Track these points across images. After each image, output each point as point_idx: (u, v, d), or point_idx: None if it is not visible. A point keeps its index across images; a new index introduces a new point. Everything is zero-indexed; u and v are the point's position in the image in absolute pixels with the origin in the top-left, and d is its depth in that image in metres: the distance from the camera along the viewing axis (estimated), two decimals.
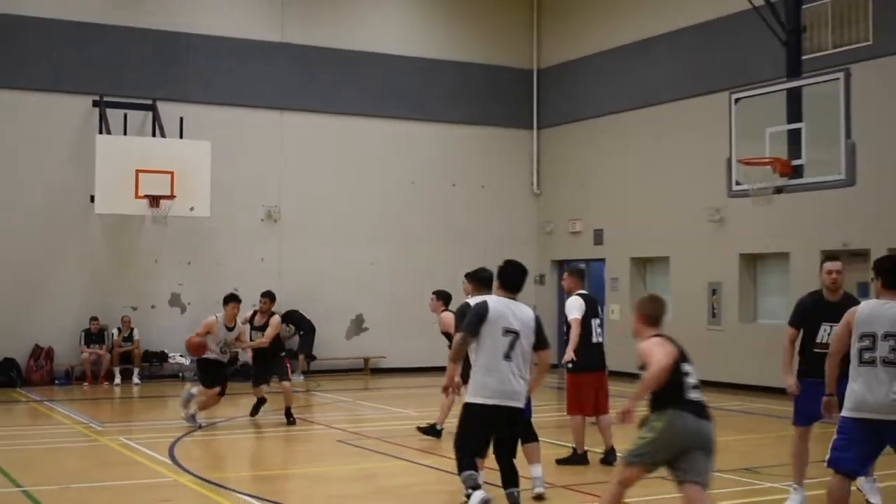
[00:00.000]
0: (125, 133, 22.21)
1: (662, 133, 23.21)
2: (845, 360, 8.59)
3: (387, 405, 18.64)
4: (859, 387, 7.75)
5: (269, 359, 15.60)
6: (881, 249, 17.99)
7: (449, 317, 12.93)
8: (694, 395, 7.47)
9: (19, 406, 18.67)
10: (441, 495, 10.05)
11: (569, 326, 11.92)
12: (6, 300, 21.50)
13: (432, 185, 25.79)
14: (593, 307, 12.11)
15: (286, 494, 10.34)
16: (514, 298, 8.72)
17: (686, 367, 7.49)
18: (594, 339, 11.93)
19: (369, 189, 25.02)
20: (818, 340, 9.43)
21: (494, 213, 26.39)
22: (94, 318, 21.82)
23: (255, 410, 15.82)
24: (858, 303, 9.21)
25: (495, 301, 8.64)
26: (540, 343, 8.68)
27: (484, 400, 8.39)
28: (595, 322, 12.00)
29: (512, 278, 8.80)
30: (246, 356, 17.91)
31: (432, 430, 13.73)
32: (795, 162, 14.82)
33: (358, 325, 24.74)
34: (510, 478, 8.65)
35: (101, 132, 21.63)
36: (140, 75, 22.79)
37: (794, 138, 14.98)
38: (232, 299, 15.46)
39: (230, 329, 15.23)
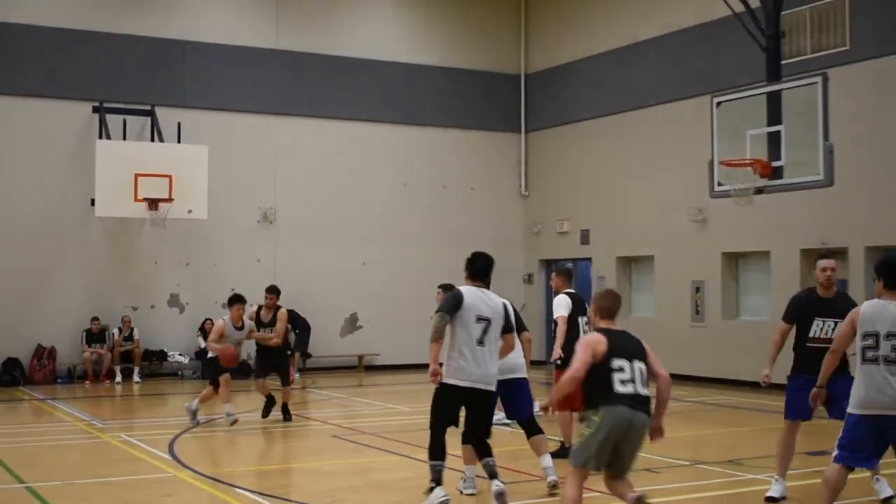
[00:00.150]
0: (124, 138, 22.19)
1: (647, 136, 23.23)
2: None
3: (380, 401, 18.63)
4: (863, 385, 7.86)
5: (275, 353, 15.33)
6: (858, 248, 18.09)
7: None
8: (624, 388, 7.57)
9: (23, 404, 18.63)
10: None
11: (556, 324, 11.93)
12: (10, 301, 21.46)
13: (424, 188, 25.79)
14: (580, 305, 12.12)
15: (283, 489, 10.33)
16: (484, 287, 9.18)
17: (617, 363, 7.62)
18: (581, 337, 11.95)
19: (362, 191, 25.02)
20: (811, 335, 9.46)
21: (484, 215, 26.40)
22: (95, 319, 21.79)
23: (266, 411, 15.16)
24: (851, 299, 9.28)
25: (468, 290, 9.06)
26: (506, 328, 9.18)
27: (459, 382, 8.85)
28: (582, 320, 12.01)
29: (481, 268, 9.24)
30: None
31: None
32: (775, 163, 14.84)
33: (352, 324, 24.72)
34: (484, 450, 9.10)
35: (100, 137, 21.61)
36: (138, 82, 22.77)
37: (773, 140, 14.99)
38: (237, 300, 15.12)
39: (239, 329, 14.92)
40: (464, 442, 9.56)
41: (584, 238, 25.17)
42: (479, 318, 8.93)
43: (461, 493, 9.64)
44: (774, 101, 15.14)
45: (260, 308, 15.60)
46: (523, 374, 10.24)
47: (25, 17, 21.92)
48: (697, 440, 14.27)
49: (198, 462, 11.67)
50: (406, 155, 25.67)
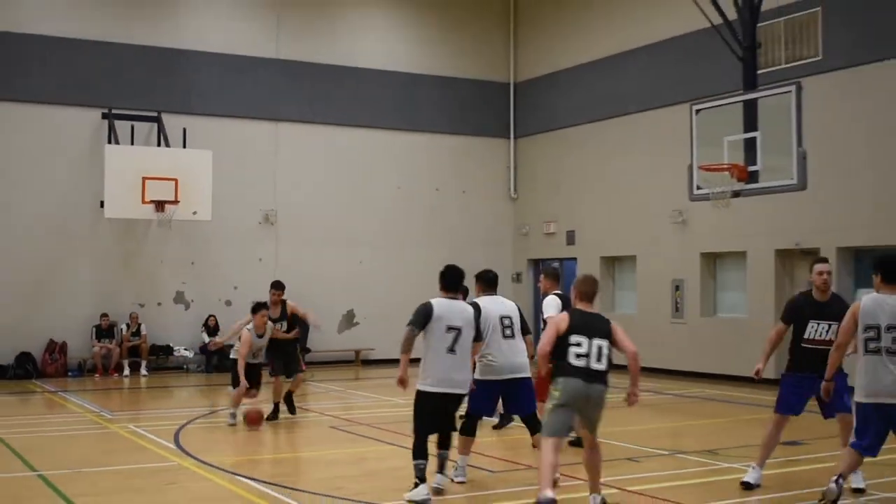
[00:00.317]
0: (132, 143, 22.20)
1: (630, 141, 23.26)
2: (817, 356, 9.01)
3: (376, 394, 18.63)
4: (867, 374, 8.06)
5: (286, 348, 14.54)
6: (830, 249, 18.12)
7: None
8: (578, 361, 8.14)
9: (35, 396, 18.60)
10: (427, 477, 10.04)
11: (545, 324, 11.92)
12: (23, 298, 21.45)
13: (417, 190, 25.80)
14: (569, 306, 12.11)
15: (283, 477, 10.33)
16: (456, 298, 9.42)
17: (576, 339, 8.17)
18: None
19: (359, 194, 25.02)
20: (806, 336, 9.48)
21: (475, 216, 26.43)
22: (104, 315, 21.76)
23: (273, 415, 14.37)
24: (845, 302, 9.35)
25: (439, 302, 9.27)
26: (523, 329, 9.81)
27: (431, 388, 9.10)
28: None
29: (452, 280, 9.46)
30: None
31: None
32: (751, 168, 14.86)
33: (349, 320, 24.72)
34: (443, 442, 9.40)
35: (109, 142, 21.60)
36: (146, 89, 22.74)
37: (750, 146, 15.01)
38: (262, 307, 14.17)
39: (260, 337, 14.02)
40: (461, 433, 9.65)
41: (570, 239, 25.19)
42: (450, 328, 9.15)
43: (452, 480, 9.67)
44: (750, 108, 15.16)
45: (266, 305, 14.73)
46: (527, 374, 10.24)
47: (39, 28, 21.88)
48: (676, 431, 14.31)
49: (201, 451, 11.66)
50: (401, 159, 25.68)
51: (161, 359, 22.72)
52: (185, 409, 15.20)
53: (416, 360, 8.96)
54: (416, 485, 8.91)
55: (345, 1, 25.34)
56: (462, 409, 9.60)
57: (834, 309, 9.28)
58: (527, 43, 26.83)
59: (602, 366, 8.20)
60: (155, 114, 22.56)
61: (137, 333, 22.13)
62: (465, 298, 14.00)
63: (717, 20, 17.03)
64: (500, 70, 27.06)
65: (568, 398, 8.13)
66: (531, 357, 9.99)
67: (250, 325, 13.95)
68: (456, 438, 9.68)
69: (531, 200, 26.61)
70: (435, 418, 9.20)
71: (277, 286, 14.96)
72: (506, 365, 9.71)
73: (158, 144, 22.28)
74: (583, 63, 24.72)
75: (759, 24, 16.90)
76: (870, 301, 8.13)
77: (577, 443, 11.09)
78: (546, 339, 8.29)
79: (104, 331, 21.76)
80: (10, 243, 21.48)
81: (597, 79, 24.30)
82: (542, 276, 12.66)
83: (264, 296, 15.09)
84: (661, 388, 19.31)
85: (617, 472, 10.00)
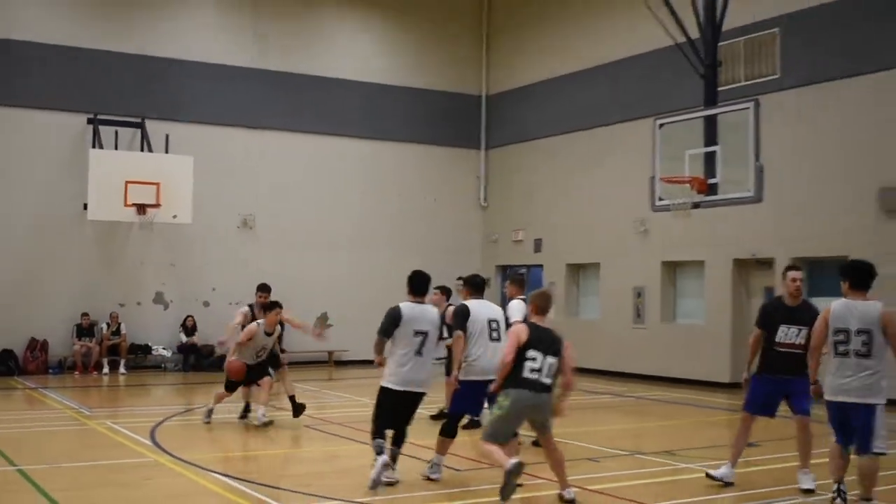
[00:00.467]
0: (116, 148, 22.04)
1: (595, 154, 23.32)
2: (798, 357, 9.16)
3: (349, 394, 18.58)
4: (836, 375, 8.19)
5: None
6: (785, 258, 18.20)
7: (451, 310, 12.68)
8: (531, 375, 8.48)
9: (16, 393, 18.39)
10: (397, 474, 9.99)
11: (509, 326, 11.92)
12: (6, 297, 21.22)
13: (391, 198, 25.76)
14: None
15: (257, 474, 10.25)
16: (423, 302, 9.62)
17: (531, 353, 8.49)
18: None
19: (335, 200, 24.98)
20: (777, 340, 9.52)
21: (446, 224, 26.43)
22: (85, 314, 21.59)
23: (244, 413, 14.02)
24: (815, 308, 9.44)
25: (407, 307, 9.49)
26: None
27: (396, 386, 9.39)
28: None
29: (420, 285, 9.68)
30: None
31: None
32: (711, 180, 14.95)
33: (323, 322, 24.54)
34: (397, 439, 9.63)
35: (94, 146, 21.45)
36: (130, 96, 22.60)
37: (710, 160, 15.10)
38: (275, 306, 13.64)
39: (269, 335, 13.60)
40: (441, 433, 9.71)
41: (537, 246, 25.22)
42: (417, 332, 9.40)
43: (428, 478, 9.63)
44: (711, 123, 15.25)
45: (252, 307, 14.48)
46: None
47: (27, 35, 21.71)
48: (636, 432, 14.32)
49: (177, 448, 11.55)
50: (376, 168, 25.65)
51: (140, 357, 22.54)
52: (162, 406, 15.07)
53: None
54: (376, 459, 9.18)
55: (323, 15, 25.34)
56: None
57: (804, 314, 9.41)
58: (498, 57, 26.87)
59: (550, 380, 8.59)
60: (139, 120, 22.41)
61: (117, 332, 21.94)
62: (448, 299, 14.06)
63: (681, 39, 17.11)
64: (472, 83, 27.07)
65: (516, 409, 8.50)
66: None
67: (261, 320, 13.54)
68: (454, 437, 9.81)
69: (500, 209, 26.62)
70: (393, 413, 9.46)
71: (264, 289, 14.55)
72: (490, 366, 9.65)
73: (141, 149, 22.12)
74: (552, 78, 24.78)
75: (719, 44, 17.00)
76: (840, 306, 8.27)
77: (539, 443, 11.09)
78: (510, 349, 8.53)
79: (85, 329, 21.57)
80: None
81: (565, 93, 24.35)
82: (508, 283, 12.72)
83: (242, 296, 14.99)
84: (622, 390, 19.35)
85: (578, 472, 9.98)
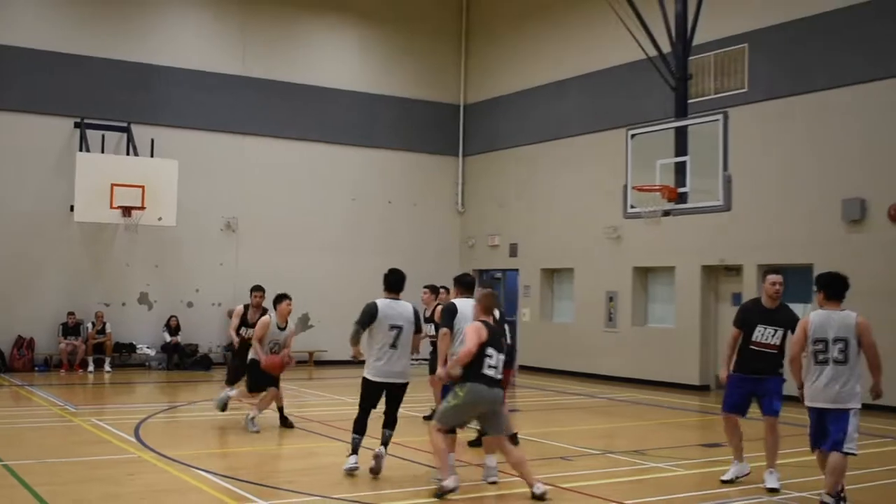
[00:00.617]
0: (102, 151, 21.92)
1: (570, 162, 23.39)
2: (772, 357, 9.39)
3: (328, 392, 18.53)
4: (815, 382, 8.29)
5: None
6: (752, 266, 18.37)
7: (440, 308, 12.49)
8: (489, 371, 8.85)
9: (3, 390, 18.23)
10: (371, 456, 10.01)
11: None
12: None
13: (371, 203, 25.76)
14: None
15: (238, 470, 10.22)
16: (398, 298, 9.94)
17: (489, 351, 8.85)
18: None
19: (316, 204, 24.94)
20: (754, 339, 9.60)
21: (425, 228, 26.43)
22: (70, 313, 21.45)
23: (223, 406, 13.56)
24: (791, 310, 9.56)
25: (383, 303, 9.83)
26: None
27: (375, 378, 9.75)
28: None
29: (395, 282, 10.02)
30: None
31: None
32: (681, 189, 14.96)
33: (304, 323, 24.56)
34: (387, 422, 9.94)
35: (81, 150, 21.33)
36: (117, 101, 22.48)
37: (680, 169, 15.11)
38: (284, 297, 13.06)
39: (282, 329, 13.10)
40: (470, 444, 10.67)
41: (513, 251, 25.26)
42: (392, 327, 9.72)
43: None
44: (681, 134, 15.27)
45: (247, 308, 14.18)
46: None
47: (15, 40, 21.56)
48: (607, 432, 14.36)
49: (160, 445, 11.50)
50: (357, 173, 25.63)
51: (124, 356, 22.40)
52: (147, 404, 14.99)
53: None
54: (349, 456, 9.70)
55: (308, 24, 25.30)
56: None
57: (781, 316, 9.54)
58: (477, 68, 26.91)
59: (500, 376, 9.01)
60: (125, 124, 22.30)
61: (102, 331, 21.81)
62: (436, 298, 13.97)
63: (653, 52, 17.17)
64: (451, 93, 27.11)
65: (472, 401, 8.82)
66: None
67: (272, 313, 13.13)
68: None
69: (477, 215, 26.65)
70: (374, 400, 9.85)
71: (260, 289, 14.07)
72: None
73: (127, 153, 22.03)
74: (528, 88, 24.84)
75: (690, 58, 17.05)
76: (818, 317, 8.38)
77: (477, 443, 11.04)
78: (475, 344, 8.79)
79: (70, 328, 21.43)
80: None
81: (541, 103, 24.42)
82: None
83: (224, 297, 14.93)
84: (594, 392, 19.41)
85: (550, 471, 10.01)
